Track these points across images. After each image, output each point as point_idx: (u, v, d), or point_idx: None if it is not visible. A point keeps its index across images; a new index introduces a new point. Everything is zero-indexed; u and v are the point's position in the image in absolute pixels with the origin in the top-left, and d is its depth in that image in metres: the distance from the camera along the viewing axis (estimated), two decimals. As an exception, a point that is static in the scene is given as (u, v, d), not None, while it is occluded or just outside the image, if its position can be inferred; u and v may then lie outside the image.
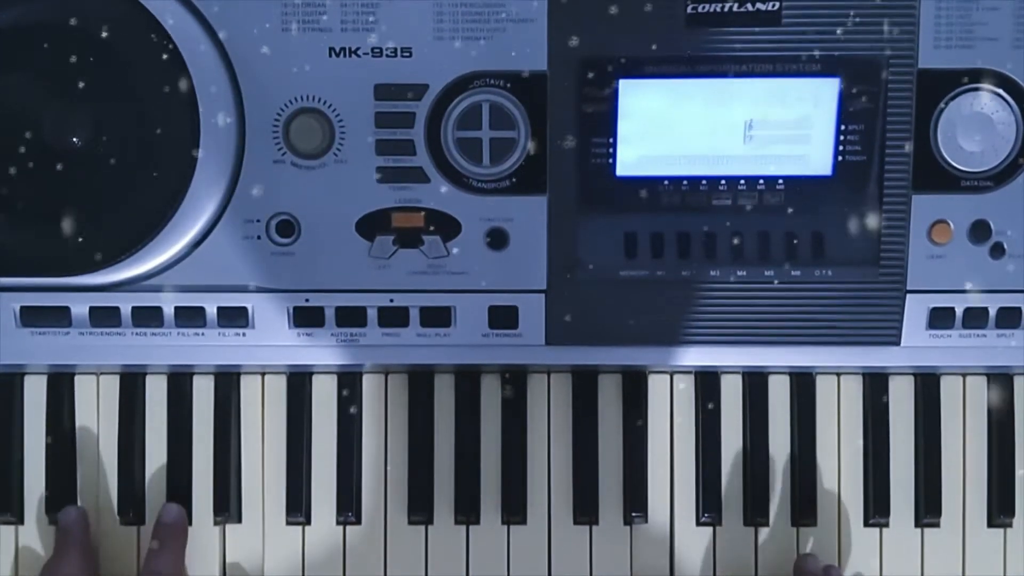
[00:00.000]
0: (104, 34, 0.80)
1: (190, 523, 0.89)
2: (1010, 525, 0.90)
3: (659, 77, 0.82)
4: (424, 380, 0.89)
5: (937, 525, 0.89)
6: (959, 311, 0.86)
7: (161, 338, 0.86)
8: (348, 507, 0.89)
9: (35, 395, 0.89)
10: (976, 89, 0.83)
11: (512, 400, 0.89)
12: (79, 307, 0.85)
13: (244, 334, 0.86)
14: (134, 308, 0.85)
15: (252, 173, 0.83)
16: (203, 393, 0.89)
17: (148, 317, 0.85)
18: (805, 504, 0.89)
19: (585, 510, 0.89)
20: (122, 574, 0.89)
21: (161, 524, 0.87)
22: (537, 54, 0.82)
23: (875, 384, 0.90)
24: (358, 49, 0.82)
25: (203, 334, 0.86)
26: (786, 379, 0.90)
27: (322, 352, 0.87)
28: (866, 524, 0.90)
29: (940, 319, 0.86)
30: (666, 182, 0.84)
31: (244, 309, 0.85)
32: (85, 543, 0.87)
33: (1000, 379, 0.90)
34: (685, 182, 0.84)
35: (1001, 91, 0.83)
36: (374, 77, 0.82)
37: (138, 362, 0.88)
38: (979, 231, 0.84)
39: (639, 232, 0.85)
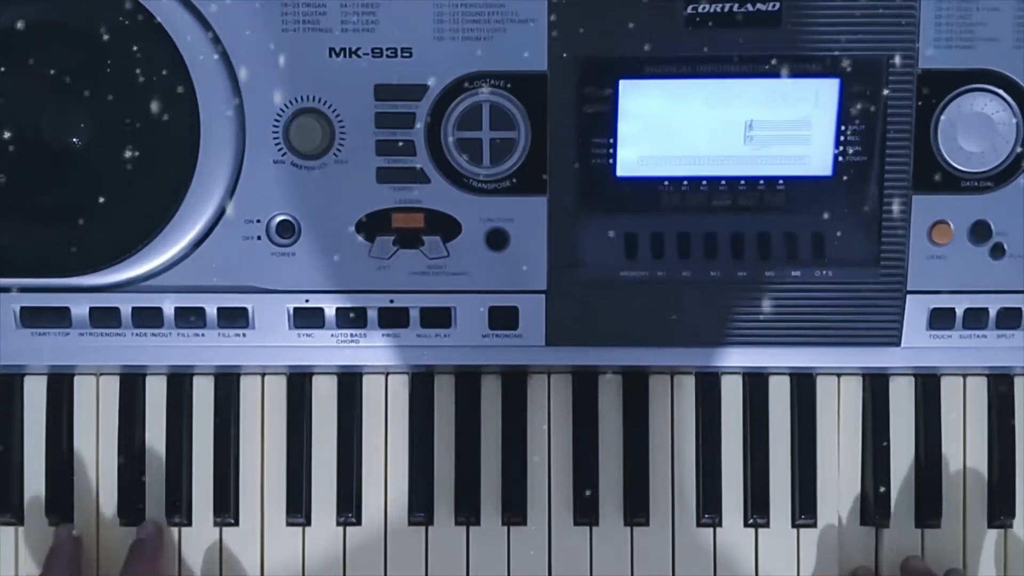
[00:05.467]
0: (104, 34, 0.80)
1: (189, 524, 0.89)
2: (1011, 526, 0.90)
3: (659, 77, 0.82)
4: (424, 381, 0.89)
5: (937, 526, 0.89)
6: (959, 312, 0.86)
7: (161, 339, 0.86)
8: (348, 508, 0.89)
9: (35, 396, 0.89)
10: (976, 90, 0.83)
11: (512, 400, 0.89)
12: (79, 308, 0.85)
13: (244, 335, 0.86)
14: (134, 309, 0.85)
15: (252, 173, 0.83)
16: (203, 394, 0.89)
17: (148, 318, 0.85)
18: (805, 505, 0.89)
19: (585, 511, 0.89)
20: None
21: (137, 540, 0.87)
22: (537, 54, 0.82)
23: (875, 385, 0.90)
24: (358, 49, 0.81)
25: (203, 335, 0.86)
26: (786, 380, 0.90)
27: (322, 353, 0.87)
28: (866, 524, 0.90)
29: (940, 319, 0.86)
30: (666, 182, 0.84)
31: (244, 310, 0.85)
32: (75, 563, 0.87)
33: (1000, 380, 0.90)
34: (685, 182, 0.84)
35: (1001, 91, 0.83)
36: (374, 77, 0.82)
37: (138, 363, 0.87)
38: (979, 231, 0.84)
39: (639, 232, 0.84)
